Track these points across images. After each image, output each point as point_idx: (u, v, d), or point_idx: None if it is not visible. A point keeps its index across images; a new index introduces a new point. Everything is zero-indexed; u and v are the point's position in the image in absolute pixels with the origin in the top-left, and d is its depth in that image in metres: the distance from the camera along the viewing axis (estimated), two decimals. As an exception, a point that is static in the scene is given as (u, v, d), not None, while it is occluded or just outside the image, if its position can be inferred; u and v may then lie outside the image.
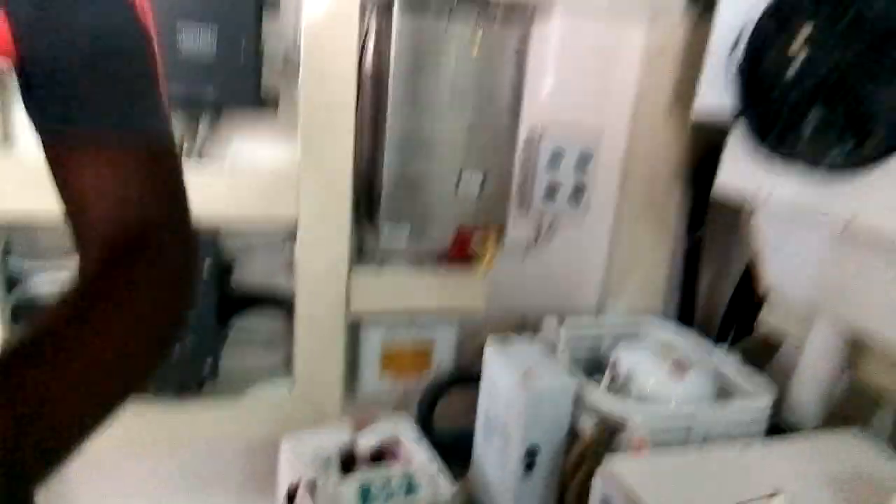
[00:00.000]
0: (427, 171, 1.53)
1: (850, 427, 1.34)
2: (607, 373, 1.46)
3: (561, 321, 1.61)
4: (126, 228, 0.52)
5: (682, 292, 1.98)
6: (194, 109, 1.39)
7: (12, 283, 1.40)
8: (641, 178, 1.83)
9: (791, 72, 1.12)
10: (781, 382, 1.47)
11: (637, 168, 1.82)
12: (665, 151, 1.80)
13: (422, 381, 1.74)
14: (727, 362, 1.50)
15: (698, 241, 1.94)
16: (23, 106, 0.52)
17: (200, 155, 1.43)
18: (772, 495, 1.02)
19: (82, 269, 0.51)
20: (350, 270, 1.58)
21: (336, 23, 1.40)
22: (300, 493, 1.29)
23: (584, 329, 1.65)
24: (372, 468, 1.37)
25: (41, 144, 0.53)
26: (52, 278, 1.41)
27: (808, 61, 1.10)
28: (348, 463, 1.38)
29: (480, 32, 1.46)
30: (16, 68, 0.51)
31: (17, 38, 0.49)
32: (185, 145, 1.42)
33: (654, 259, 1.91)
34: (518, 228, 1.78)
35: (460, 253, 1.66)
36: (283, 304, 1.63)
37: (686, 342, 1.61)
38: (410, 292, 1.66)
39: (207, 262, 1.43)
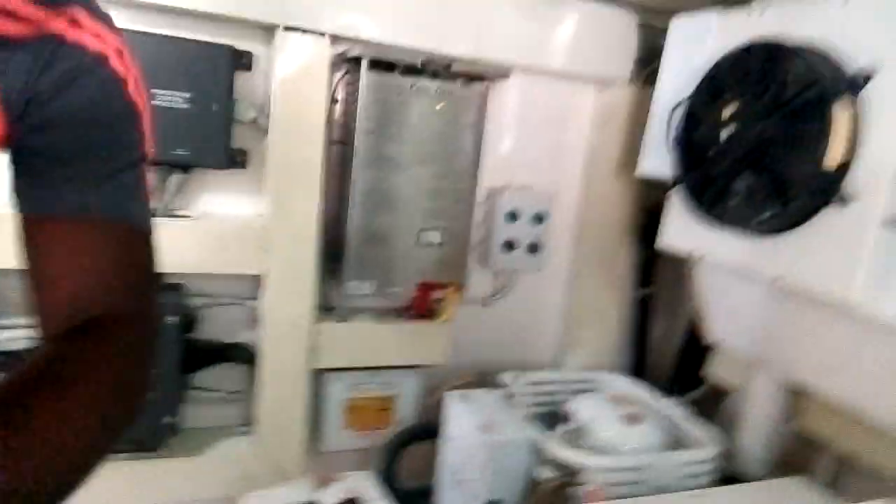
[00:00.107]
0: (390, 227, 1.59)
1: (796, 475, 1.41)
2: (564, 424, 1.50)
3: (519, 374, 1.66)
4: (89, 310, 0.52)
5: (635, 345, 2.05)
6: (164, 168, 1.43)
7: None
8: (594, 234, 1.92)
9: (720, 142, 1.24)
10: (730, 432, 1.54)
11: (590, 225, 1.92)
12: (616, 209, 1.91)
13: (385, 435, 1.76)
14: (678, 413, 1.57)
15: (648, 295, 2.03)
16: (8, 183, 0.53)
17: (169, 210, 1.46)
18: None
19: (40, 346, 0.51)
20: (314, 324, 1.61)
21: (306, 82, 1.48)
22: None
23: (542, 381, 1.71)
24: (334, 524, 1.37)
25: (20, 218, 0.54)
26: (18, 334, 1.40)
27: (735, 133, 1.22)
28: (310, 520, 1.37)
29: (443, 93, 1.55)
30: (7, 150, 0.52)
31: (10, 122, 0.50)
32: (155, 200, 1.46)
33: (607, 313, 1.99)
34: (478, 283, 1.84)
35: (422, 307, 1.71)
36: (246, 358, 1.65)
37: (639, 393, 1.68)
38: (374, 346, 1.70)
39: (171, 317, 1.45)
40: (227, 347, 1.66)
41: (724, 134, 1.24)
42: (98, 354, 0.51)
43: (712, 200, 1.28)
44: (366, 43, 1.51)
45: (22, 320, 1.40)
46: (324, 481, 1.46)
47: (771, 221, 1.17)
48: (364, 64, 1.46)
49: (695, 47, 1.44)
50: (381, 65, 1.49)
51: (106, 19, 0.56)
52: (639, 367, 2.05)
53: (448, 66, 1.56)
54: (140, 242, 0.57)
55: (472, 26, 1.60)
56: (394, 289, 1.62)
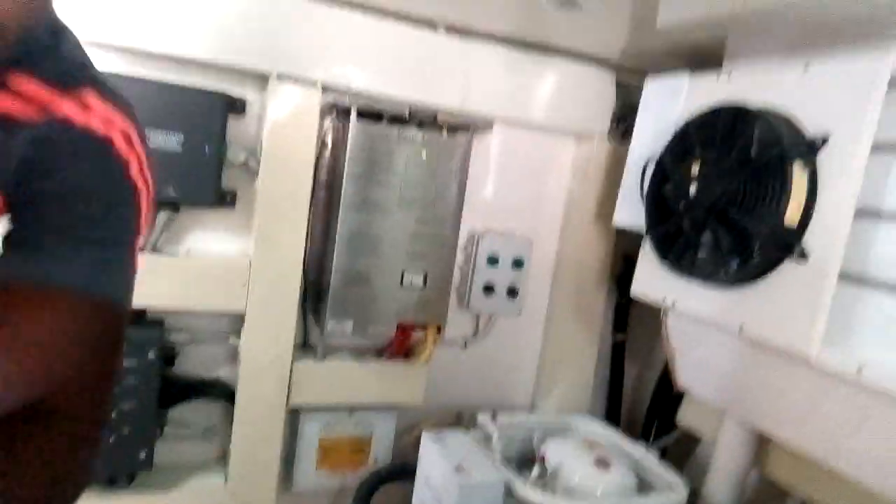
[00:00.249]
0: (373, 269, 1.63)
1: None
2: (536, 466, 1.52)
3: (494, 416, 1.68)
4: (34, 386, 0.50)
5: (609, 389, 2.09)
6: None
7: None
8: (571, 280, 1.98)
9: (688, 197, 1.31)
10: (699, 478, 1.57)
11: (567, 271, 1.97)
12: (592, 256, 1.97)
13: (359, 474, 1.76)
14: (647, 458, 1.60)
15: (623, 340, 2.08)
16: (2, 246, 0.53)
17: (156, 247, 1.49)
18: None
19: None
20: (293, 362, 1.63)
21: (296, 128, 1.54)
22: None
23: (517, 424, 1.73)
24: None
25: None
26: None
27: (701, 189, 1.29)
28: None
29: (428, 142, 1.61)
30: (3, 219, 0.52)
31: (6, 194, 0.51)
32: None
33: (583, 357, 2.03)
34: (457, 325, 1.88)
35: (401, 348, 1.74)
36: (224, 395, 1.65)
37: (610, 438, 1.71)
38: (351, 385, 1.72)
39: (151, 351, 1.46)
40: (204, 383, 1.67)
41: (691, 189, 1.31)
42: (33, 447, 0.48)
43: (680, 252, 1.34)
44: (355, 92, 1.58)
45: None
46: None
47: (734, 273, 1.23)
48: (353, 113, 1.53)
49: (667, 106, 1.52)
50: (369, 114, 1.56)
51: (116, 98, 0.57)
52: (613, 410, 2.08)
53: (433, 117, 1.63)
54: (106, 319, 0.55)
55: (457, 79, 1.68)
56: (374, 329, 1.65)
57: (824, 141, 1.17)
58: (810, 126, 1.19)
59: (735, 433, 1.50)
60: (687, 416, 1.68)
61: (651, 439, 1.89)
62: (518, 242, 1.87)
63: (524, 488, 1.40)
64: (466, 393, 1.95)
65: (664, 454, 1.81)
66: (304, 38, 1.52)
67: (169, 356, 1.58)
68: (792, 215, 1.17)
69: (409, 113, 1.60)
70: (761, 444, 1.50)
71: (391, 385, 1.75)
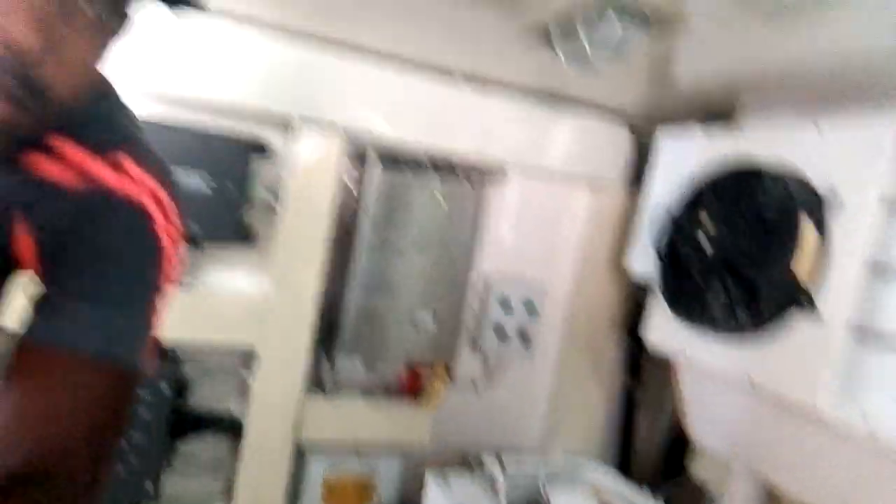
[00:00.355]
0: (386, 309, 1.65)
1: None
2: (543, 514, 1.51)
3: (500, 458, 1.68)
4: (32, 452, 0.50)
5: (620, 436, 2.07)
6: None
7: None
8: (583, 326, 1.98)
9: (698, 252, 1.33)
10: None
11: (579, 317, 1.98)
12: (605, 303, 1.98)
13: (364, 515, 1.75)
14: (656, 509, 1.58)
15: (636, 388, 2.07)
16: (29, 307, 0.54)
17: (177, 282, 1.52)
18: None
19: None
20: (303, 399, 1.64)
21: (317, 170, 1.59)
22: None
23: (523, 467, 1.72)
24: None
25: (19, 344, 0.53)
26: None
27: (713, 242, 1.31)
28: None
29: (445, 188, 1.66)
30: (35, 281, 0.55)
31: (42, 259, 0.54)
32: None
33: (593, 403, 2.02)
34: (467, 366, 1.89)
35: (411, 387, 1.75)
36: (231, 428, 1.66)
37: (617, 485, 1.69)
38: (360, 423, 1.72)
39: (164, 384, 1.48)
40: (213, 416, 1.67)
41: (703, 242, 1.33)
42: (34, 497, 0.48)
43: (690, 303, 1.36)
44: (375, 138, 1.63)
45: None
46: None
47: (743, 324, 1.24)
48: (372, 158, 1.57)
49: (679, 158, 1.55)
50: (389, 159, 1.60)
51: (149, 157, 0.60)
52: (623, 458, 2.06)
53: (451, 163, 1.67)
54: (117, 384, 0.55)
55: (474, 128, 1.73)
56: (384, 367, 1.66)
57: (835, 198, 1.19)
58: (821, 183, 1.22)
59: (744, 486, 1.49)
60: (697, 468, 1.67)
61: (661, 490, 1.86)
62: (531, 287, 1.89)
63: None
64: (475, 434, 1.94)
65: (672, 505, 1.79)
66: (326, 86, 1.58)
67: (180, 387, 1.60)
68: (802, 269, 1.19)
69: (428, 159, 1.64)
70: (771, 499, 1.48)
71: (399, 425, 1.75)
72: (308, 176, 1.58)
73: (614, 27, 1.27)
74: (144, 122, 0.65)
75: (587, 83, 1.71)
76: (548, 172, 1.87)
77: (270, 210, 1.60)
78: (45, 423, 0.50)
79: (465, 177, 1.69)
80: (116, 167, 0.57)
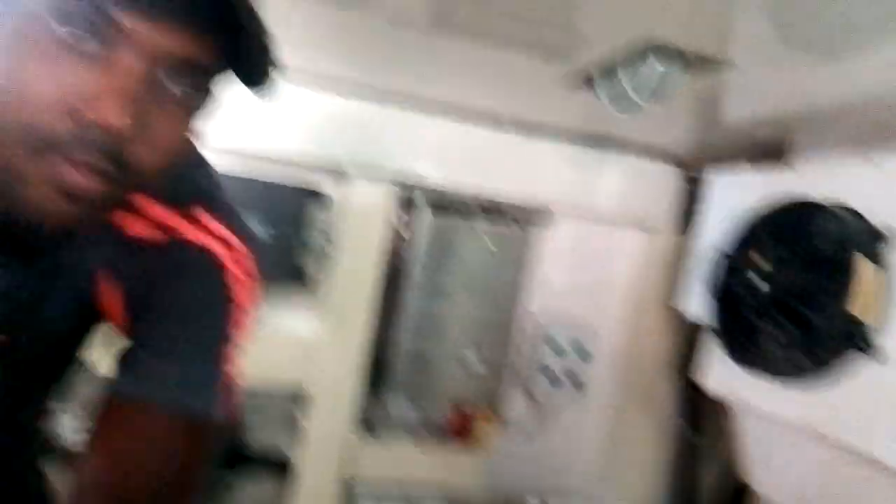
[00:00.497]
0: (435, 351, 1.67)
1: None
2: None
3: (546, 500, 1.64)
4: (122, 500, 0.52)
5: (682, 489, 1.98)
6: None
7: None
8: (636, 370, 1.94)
9: (753, 293, 1.29)
10: None
11: (632, 360, 1.94)
12: (659, 346, 1.93)
13: (413, 560, 1.73)
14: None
15: (698, 436, 1.98)
16: (112, 363, 0.58)
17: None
18: None
19: None
20: (352, 439, 1.66)
21: (369, 217, 1.65)
22: None
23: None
24: None
25: (103, 398, 0.57)
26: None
27: (767, 282, 1.27)
28: None
29: (494, 232, 1.68)
30: (123, 336, 0.59)
31: (129, 315, 0.58)
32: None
33: (649, 450, 1.95)
34: (517, 411, 1.87)
35: (459, 430, 1.74)
36: (281, 469, 1.69)
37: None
38: (408, 465, 1.72)
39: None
40: (263, 456, 1.71)
41: (758, 283, 1.30)
42: None
43: (745, 345, 1.32)
44: (424, 185, 1.68)
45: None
46: None
47: (801, 367, 1.19)
48: (422, 205, 1.62)
49: (731, 199, 1.53)
50: (438, 203, 1.65)
51: (224, 211, 0.64)
52: (684, 510, 1.97)
53: (499, 207, 1.70)
54: (196, 435, 0.57)
55: (522, 172, 1.76)
56: (432, 409, 1.67)
57: (892, 233, 1.14)
58: (878, 218, 1.18)
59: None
60: (761, 523, 1.57)
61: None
62: (582, 330, 1.87)
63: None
64: (526, 479, 1.90)
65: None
66: (377, 135, 1.65)
67: (238, 425, 1.65)
68: (860, 309, 1.14)
69: (477, 205, 1.68)
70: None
71: (447, 468, 1.74)
72: (360, 221, 1.64)
73: (655, 70, 1.29)
74: (223, 176, 0.68)
75: (633, 125, 1.71)
76: (596, 213, 1.87)
77: (324, 254, 1.67)
78: (126, 475, 0.53)
79: (512, 220, 1.71)
80: (193, 220, 0.61)
